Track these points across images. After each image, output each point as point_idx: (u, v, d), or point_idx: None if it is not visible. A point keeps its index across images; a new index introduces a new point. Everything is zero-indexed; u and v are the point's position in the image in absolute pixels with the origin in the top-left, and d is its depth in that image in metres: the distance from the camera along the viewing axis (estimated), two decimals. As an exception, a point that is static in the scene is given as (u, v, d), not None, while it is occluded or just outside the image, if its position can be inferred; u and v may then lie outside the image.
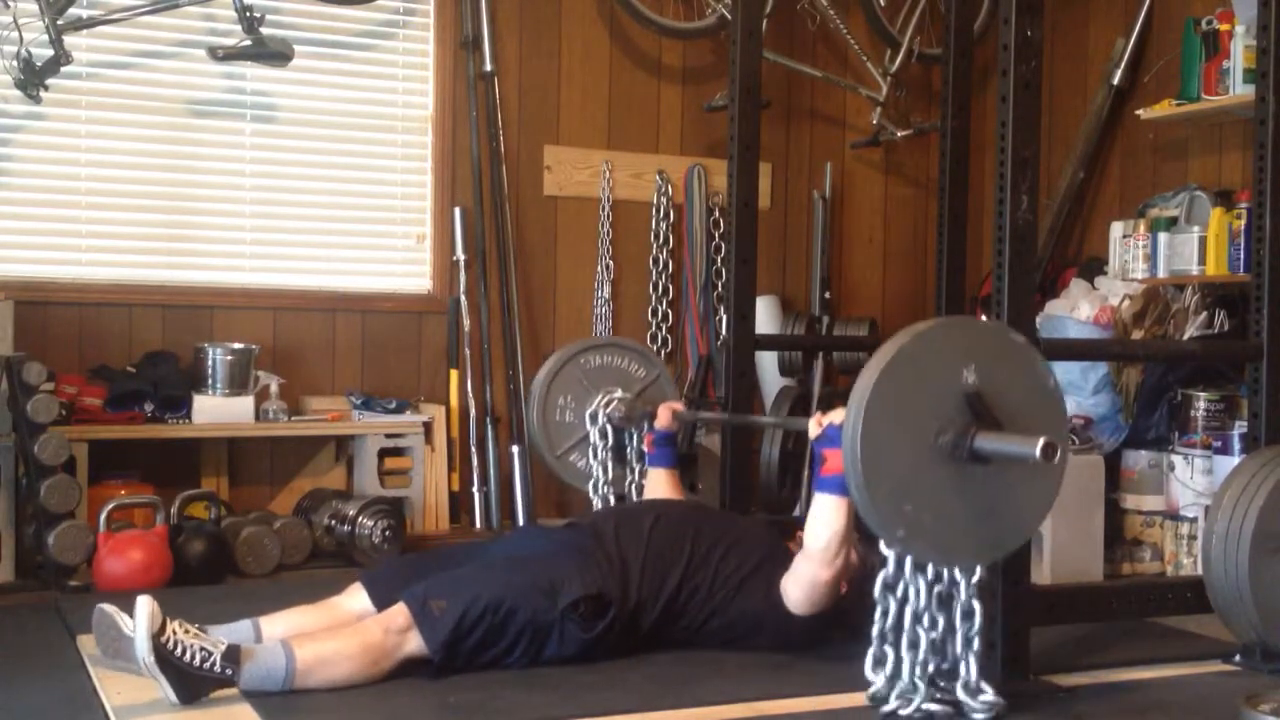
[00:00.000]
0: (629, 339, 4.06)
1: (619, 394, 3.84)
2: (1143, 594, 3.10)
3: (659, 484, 3.56)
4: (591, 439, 3.81)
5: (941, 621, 2.51)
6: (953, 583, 2.50)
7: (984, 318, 3.00)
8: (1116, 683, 2.88)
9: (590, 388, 3.86)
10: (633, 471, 3.81)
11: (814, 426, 2.81)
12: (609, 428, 3.81)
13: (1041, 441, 2.26)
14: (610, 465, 3.79)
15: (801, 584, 2.86)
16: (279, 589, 3.70)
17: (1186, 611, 3.10)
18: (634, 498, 3.78)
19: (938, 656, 2.52)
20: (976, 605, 2.50)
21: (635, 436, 3.80)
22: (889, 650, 2.50)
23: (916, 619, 2.49)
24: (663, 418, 3.61)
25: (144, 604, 2.43)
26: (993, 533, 2.44)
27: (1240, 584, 2.86)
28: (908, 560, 2.48)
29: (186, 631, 2.48)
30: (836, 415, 2.72)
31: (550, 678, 2.73)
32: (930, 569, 2.49)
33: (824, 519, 2.77)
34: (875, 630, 2.51)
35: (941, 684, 2.53)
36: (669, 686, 2.73)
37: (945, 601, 2.51)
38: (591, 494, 3.82)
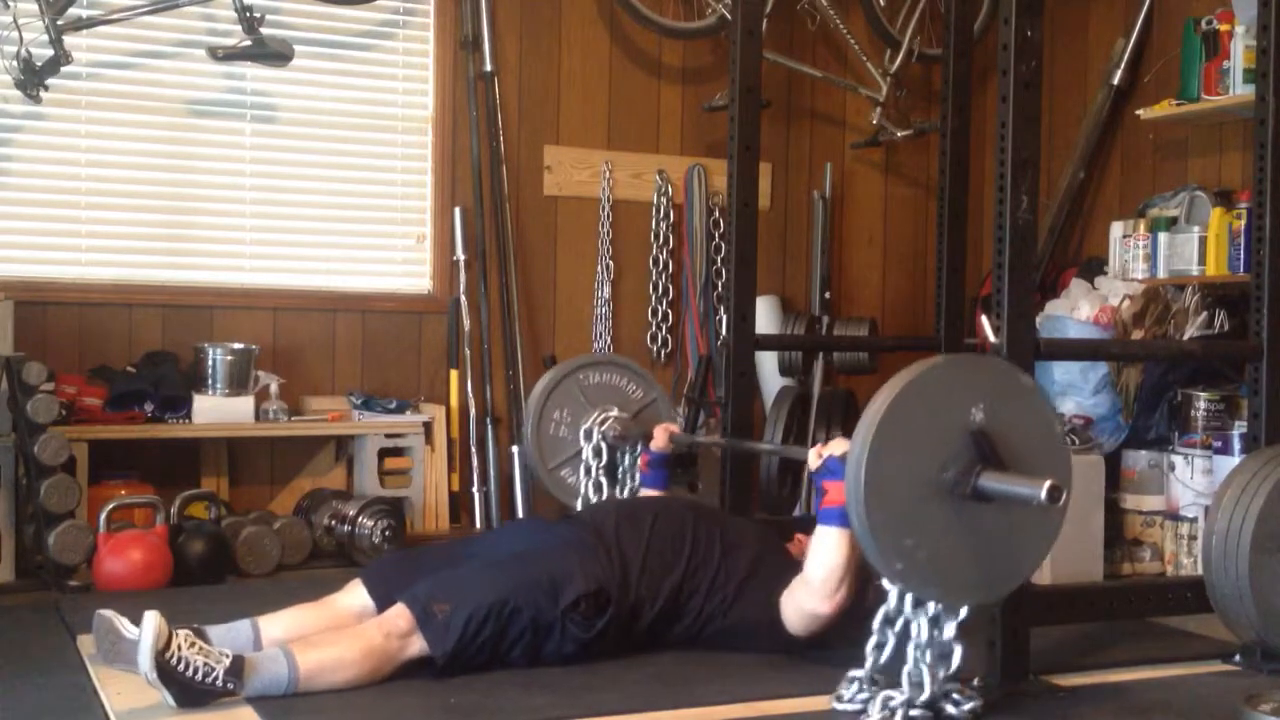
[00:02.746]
0: (628, 359, 4.05)
1: (615, 413, 3.83)
2: (1143, 594, 3.10)
3: (655, 495, 3.56)
4: (584, 456, 3.80)
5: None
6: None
7: (984, 318, 3.00)
8: (1116, 683, 2.88)
9: (587, 404, 3.85)
10: (623, 491, 3.79)
11: (814, 458, 2.81)
12: (603, 445, 3.80)
13: (1047, 484, 2.26)
14: (603, 483, 3.78)
15: (801, 613, 2.86)
16: (279, 589, 3.70)
17: (1186, 611, 3.10)
18: None
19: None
20: (957, 650, 2.48)
21: (627, 456, 3.79)
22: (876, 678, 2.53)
23: (906, 653, 2.50)
24: (659, 439, 3.60)
25: (151, 620, 2.42)
26: (989, 572, 2.44)
27: (1240, 584, 2.86)
28: (909, 597, 2.48)
29: (191, 645, 2.47)
30: (836, 446, 2.73)
31: (550, 678, 2.73)
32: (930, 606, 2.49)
33: (826, 551, 2.76)
34: (868, 665, 2.53)
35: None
36: (669, 687, 2.73)
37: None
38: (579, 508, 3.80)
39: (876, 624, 2.51)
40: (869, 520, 2.30)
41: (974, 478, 2.35)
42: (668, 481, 3.62)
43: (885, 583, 2.48)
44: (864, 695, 2.53)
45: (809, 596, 2.82)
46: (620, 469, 3.80)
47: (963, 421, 2.38)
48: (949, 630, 2.46)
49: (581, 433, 3.83)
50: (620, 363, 3.98)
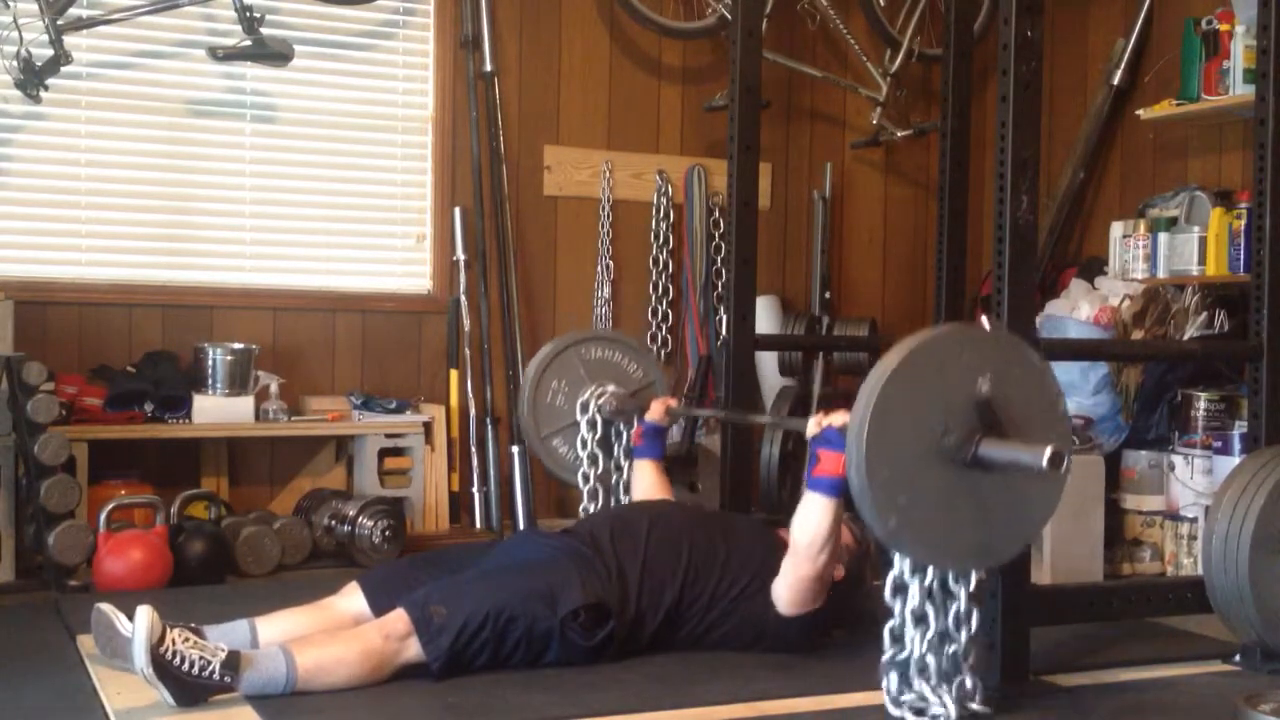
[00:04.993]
0: (633, 338, 4.04)
1: (612, 388, 3.83)
2: (1143, 594, 3.10)
3: (644, 475, 3.54)
4: (580, 430, 3.79)
5: (946, 622, 2.50)
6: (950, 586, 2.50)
7: (984, 318, 3.01)
8: (1116, 683, 2.88)
9: (586, 378, 3.84)
10: (620, 469, 3.79)
11: (813, 426, 2.80)
12: (598, 419, 3.80)
13: (1049, 450, 2.27)
14: (599, 455, 3.77)
15: (787, 581, 2.86)
16: (279, 589, 3.70)
17: (1186, 611, 3.10)
18: (619, 495, 3.77)
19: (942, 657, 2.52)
20: (974, 612, 2.48)
21: (624, 435, 3.78)
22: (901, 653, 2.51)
23: (921, 619, 2.48)
24: (655, 410, 3.59)
25: (143, 614, 2.42)
26: (984, 540, 2.43)
27: (1240, 584, 2.86)
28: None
29: (186, 640, 2.47)
30: (837, 418, 2.72)
31: (551, 678, 2.73)
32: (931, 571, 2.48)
33: (812, 518, 2.77)
34: (886, 634, 2.51)
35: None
36: (669, 686, 2.73)
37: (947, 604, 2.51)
38: (580, 485, 3.80)
39: (888, 593, 2.49)
40: (867, 474, 2.29)
41: (975, 445, 2.36)
42: (662, 451, 3.61)
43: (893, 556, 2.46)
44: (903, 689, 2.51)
45: (793, 559, 2.83)
46: (617, 447, 3.79)
47: (968, 390, 2.39)
48: (962, 597, 2.47)
49: (578, 405, 3.81)
50: (623, 341, 3.97)
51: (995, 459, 2.35)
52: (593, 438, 3.77)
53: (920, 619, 2.47)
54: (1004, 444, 2.35)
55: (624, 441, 3.77)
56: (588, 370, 3.85)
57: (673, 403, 3.64)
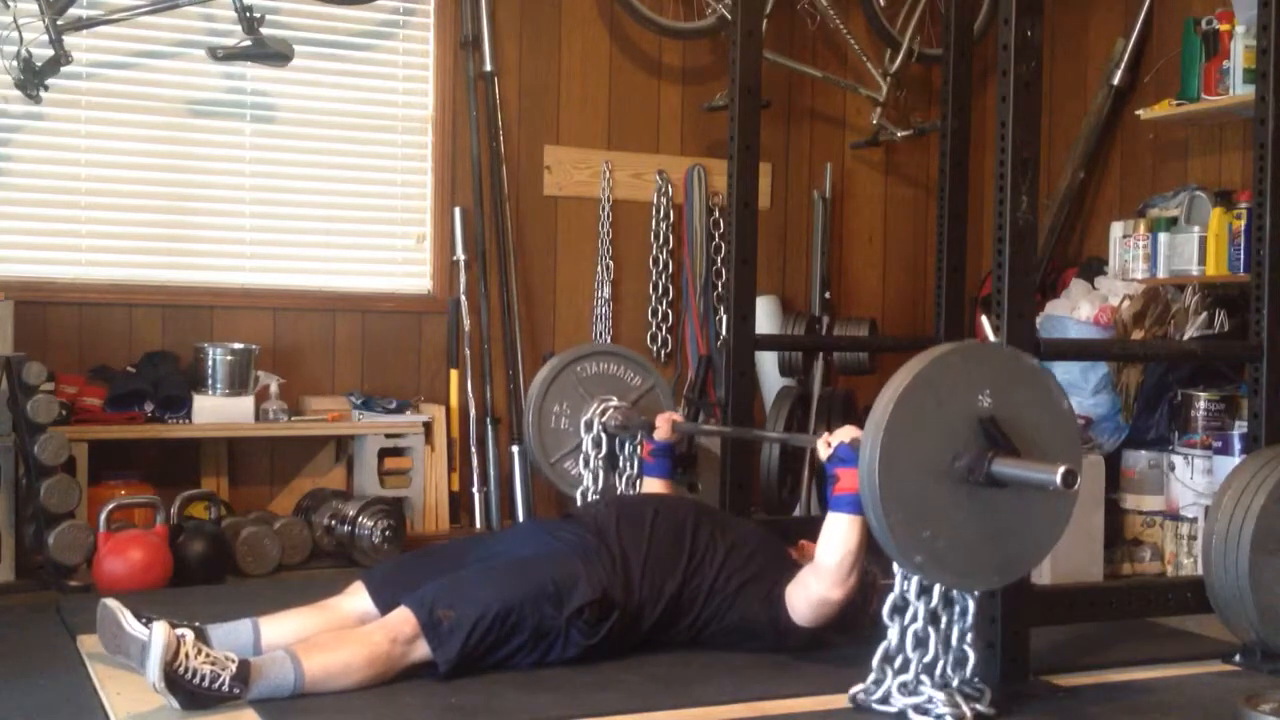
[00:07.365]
0: (624, 347, 4.05)
1: (614, 402, 3.85)
2: (1143, 594, 3.10)
3: (653, 492, 3.56)
4: (584, 447, 3.82)
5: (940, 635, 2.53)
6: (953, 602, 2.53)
7: (984, 318, 3.00)
8: (1116, 683, 2.88)
9: (586, 395, 3.87)
10: (629, 484, 3.80)
11: (823, 447, 2.81)
12: (603, 435, 3.81)
13: (1062, 469, 2.28)
14: (602, 473, 3.79)
15: (811, 600, 2.86)
16: (279, 589, 3.70)
17: (1186, 611, 3.10)
18: None
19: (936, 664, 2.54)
20: (969, 653, 2.51)
21: (629, 446, 3.79)
22: (888, 670, 2.53)
23: (920, 640, 2.51)
24: (662, 428, 3.61)
25: (159, 632, 2.42)
26: (1006, 555, 2.45)
27: (1240, 584, 2.86)
28: (913, 584, 2.49)
29: (198, 653, 2.47)
30: (844, 434, 2.74)
31: (551, 679, 2.73)
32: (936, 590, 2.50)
33: (838, 537, 2.76)
34: (880, 654, 2.53)
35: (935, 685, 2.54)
36: (669, 687, 2.73)
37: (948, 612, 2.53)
38: (579, 501, 3.81)
39: (886, 612, 2.51)
40: (886, 518, 2.31)
41: (987, 464, 2.37)
42: (671, 470, 3.63)
43: (895, 568, 2.47)
44: (877, 692, 2.54)
45: (820, 582, 2.82)
46: (621, 458, 3.81)
47: (971, 409, 2.40)
48: (966, 618, 2.50)
49: (582, 423, 3.84)
50: (616, 351, 4.00)
51: (1008, 477, 2.36)
52: (596, 455, 3.81)
53: (921, 642, 2.49)
54: (1016, 463, 2.37)
55: (628, 453, 3.79)
56: (586, 388, 3.88)
57: (677, 417, 3.67)
